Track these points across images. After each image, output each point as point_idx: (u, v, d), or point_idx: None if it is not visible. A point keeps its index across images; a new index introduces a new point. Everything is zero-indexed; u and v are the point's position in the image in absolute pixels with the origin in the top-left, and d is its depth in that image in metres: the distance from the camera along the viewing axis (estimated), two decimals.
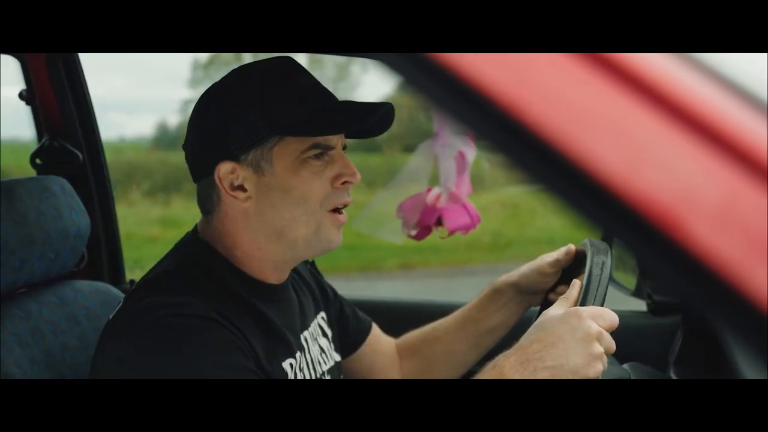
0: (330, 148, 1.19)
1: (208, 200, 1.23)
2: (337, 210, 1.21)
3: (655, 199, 0.53)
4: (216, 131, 1.19)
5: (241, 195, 1.19)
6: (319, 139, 1.18)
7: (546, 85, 0.57)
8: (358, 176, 1.21)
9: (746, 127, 0.55)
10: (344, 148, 1.25)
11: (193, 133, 1.23)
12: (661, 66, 0.58)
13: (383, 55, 0.60)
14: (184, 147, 1.26)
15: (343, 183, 1.20)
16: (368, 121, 1.21)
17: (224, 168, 1.18)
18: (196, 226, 1.28)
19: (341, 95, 1.30)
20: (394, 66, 0.59)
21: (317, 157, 1.18)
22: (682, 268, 0.53)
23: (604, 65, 0.57)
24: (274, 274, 1.26)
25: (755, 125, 0.55)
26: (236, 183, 1.19)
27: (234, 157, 1.18)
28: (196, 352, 1.06)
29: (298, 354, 1.26)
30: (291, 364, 1.23)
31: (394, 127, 1.28)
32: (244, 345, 1.12)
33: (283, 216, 1.19)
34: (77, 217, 1.53)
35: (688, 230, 0.52)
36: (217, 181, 1.19)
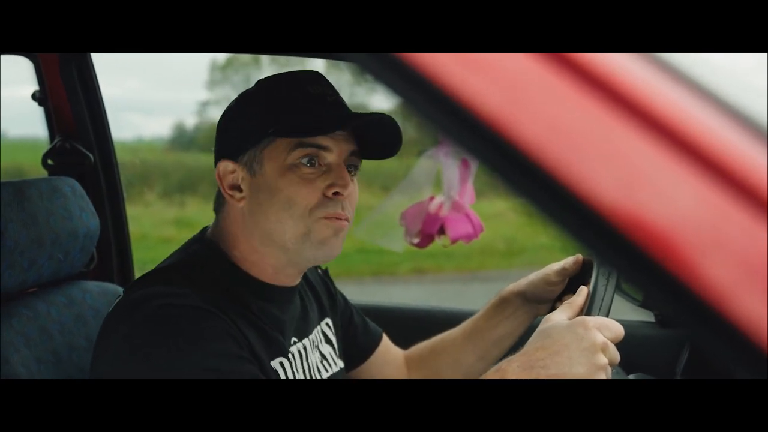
0: (320, 147, 1.19)
1: (217, 200, 1.30)
2: (333, 217, 1.20)
3: (647, 223, 0.53)
4: (222, 132, 1.28)
5: (237, 195, 1.24)
6: (306, 140, 1.19)
7: (539, 107, 0.57)
8: (349, 189, 1.20)
9: (743, 154, 0.55)
10: (356, 168, 1.25)
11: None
12: (655, 87, 0.57)
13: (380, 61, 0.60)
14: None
15: (334, 193, 1.19)
16: (353, 124, 1.21)
17: (223, 166, 1.24)
18: (207, 226, 1.32)
19: (358, 99, 1.31)
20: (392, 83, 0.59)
21: (310, 164, 1.19)
22: (674, 293, 0.52)
23: (599, 87, 0.56)
24: (275, 277, 1.27)
25: (752, 151, 0.55)
26: (235, 183, 1.24)
27: (232, 157, 1.24)
28: (189, 340, 1.08)
29: (290, 356, 1.26)
30: (281, 363, 1.23)
31: (410, 132, 1.27)
32: (238, 335, 1.13)
33: (269, 218, 1.21)
34: (87, 218, 1.54)
35: (679, 255, 0.52)
36: (217, 178, 1.25)
